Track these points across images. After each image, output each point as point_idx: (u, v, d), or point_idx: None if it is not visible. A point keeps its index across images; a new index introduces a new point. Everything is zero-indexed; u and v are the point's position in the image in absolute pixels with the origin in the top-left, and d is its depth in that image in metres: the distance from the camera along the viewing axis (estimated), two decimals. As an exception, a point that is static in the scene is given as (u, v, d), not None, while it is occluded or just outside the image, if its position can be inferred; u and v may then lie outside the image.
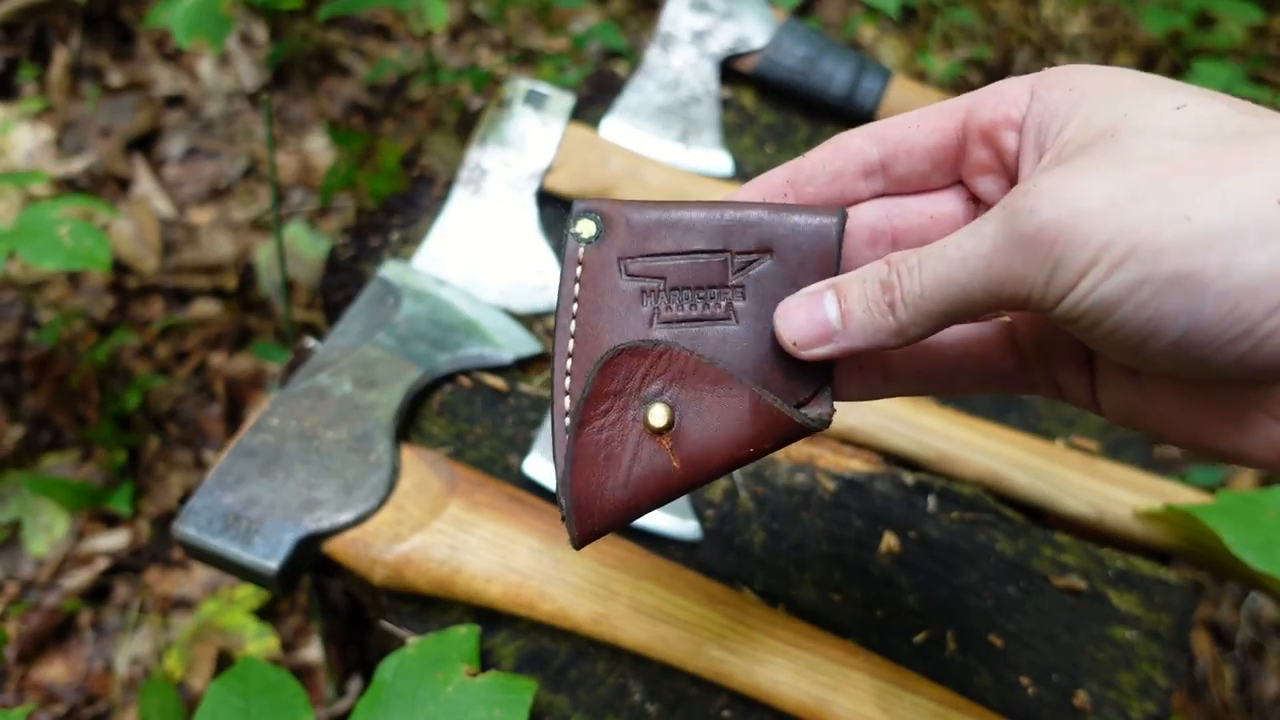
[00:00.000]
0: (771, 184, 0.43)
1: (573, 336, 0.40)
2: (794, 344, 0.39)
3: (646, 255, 0.41)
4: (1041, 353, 0.41)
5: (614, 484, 0.39)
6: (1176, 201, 0.29)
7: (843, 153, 0.42)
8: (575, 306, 0.41)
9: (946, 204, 0.43)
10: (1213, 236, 0.28)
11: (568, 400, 0.40)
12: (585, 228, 0.41)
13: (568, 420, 0.40)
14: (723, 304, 0.40)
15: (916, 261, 0.35)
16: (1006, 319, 0.43)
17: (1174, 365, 0.31)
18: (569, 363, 0.40)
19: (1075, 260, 0.30)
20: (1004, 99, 0.39)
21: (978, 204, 0.42)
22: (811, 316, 0.38)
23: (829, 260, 0.40)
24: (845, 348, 0.38)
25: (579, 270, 0.41)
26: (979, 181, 0.41)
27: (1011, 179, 0.40)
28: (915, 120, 0.41)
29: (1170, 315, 0.29)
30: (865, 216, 0.43)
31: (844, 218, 0.40)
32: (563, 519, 0.40)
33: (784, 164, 0.43)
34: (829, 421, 0.40)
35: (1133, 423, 0.39)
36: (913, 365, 0.43)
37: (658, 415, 0.39)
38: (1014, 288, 0.32)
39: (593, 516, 0.40)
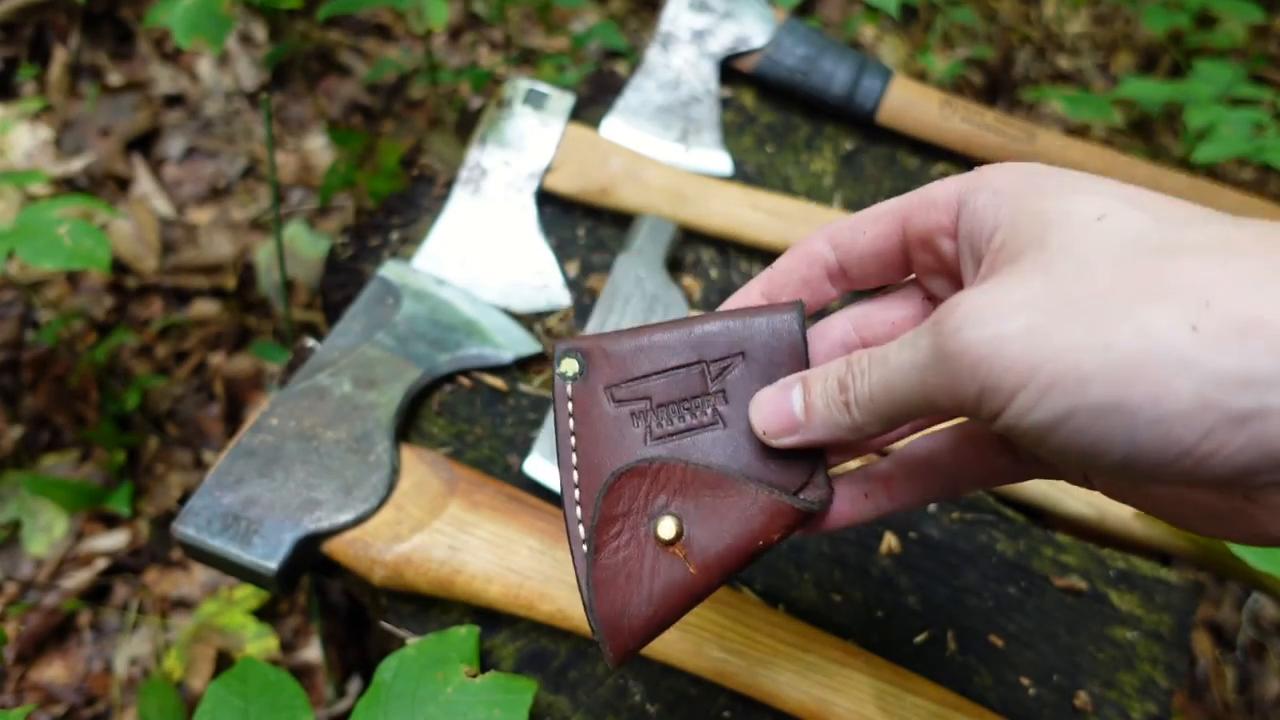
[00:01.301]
0: (749, 298, 0.45)
1: (576, 468, 0.43)
2: (764, 433, 0.41)
3: (630, 380, 0.43)
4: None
5: (638, 600, 0.41)
6: (1096, 329, 0.29)
7: (806, 259, 0.43)
8: (573, 440, 0.43)
9: (906, 308, 0.44)
10: (1133, 367, 0.28)
11: (582, 529, 0.42)
12: (569, 366, 0.44)
13: (585, 548, 0.42)
14: (708, 411, 0.43)
15: (867, 364, 0.36)
16: None
17: (1130, 478, 0.31)
18: (578, 493, 0.42)
19: (1001, 384, 0.30)
20: (935, 205, 0.39)
21: (934, 303, 0.43)
22: (779, 408, 0.40)
23: (797, 351, 0.42)
24: (809, 439, 0.39)
25: (570, 406, 0.43)
26: (930, 282, 0.42)
27: (957, 280, 0.40)
28: (861, 225, 0.42)
29: (1106, 441, 0.29)
30: (834, 333, 0.44)
31: (802, 309, 0.43)
32: (595, 640, 0.42)
33: (758, 276, 0.45)
34: (829, 501, 0.42)
35: (1129, 504, 0.39)
36: (913, 478, 0.44)
37: (666, 528, 0.41)
38: (947, 400, 0.33)
39: (623, 635, 0.41)
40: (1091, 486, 0.41)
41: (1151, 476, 0.30)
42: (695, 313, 0.75)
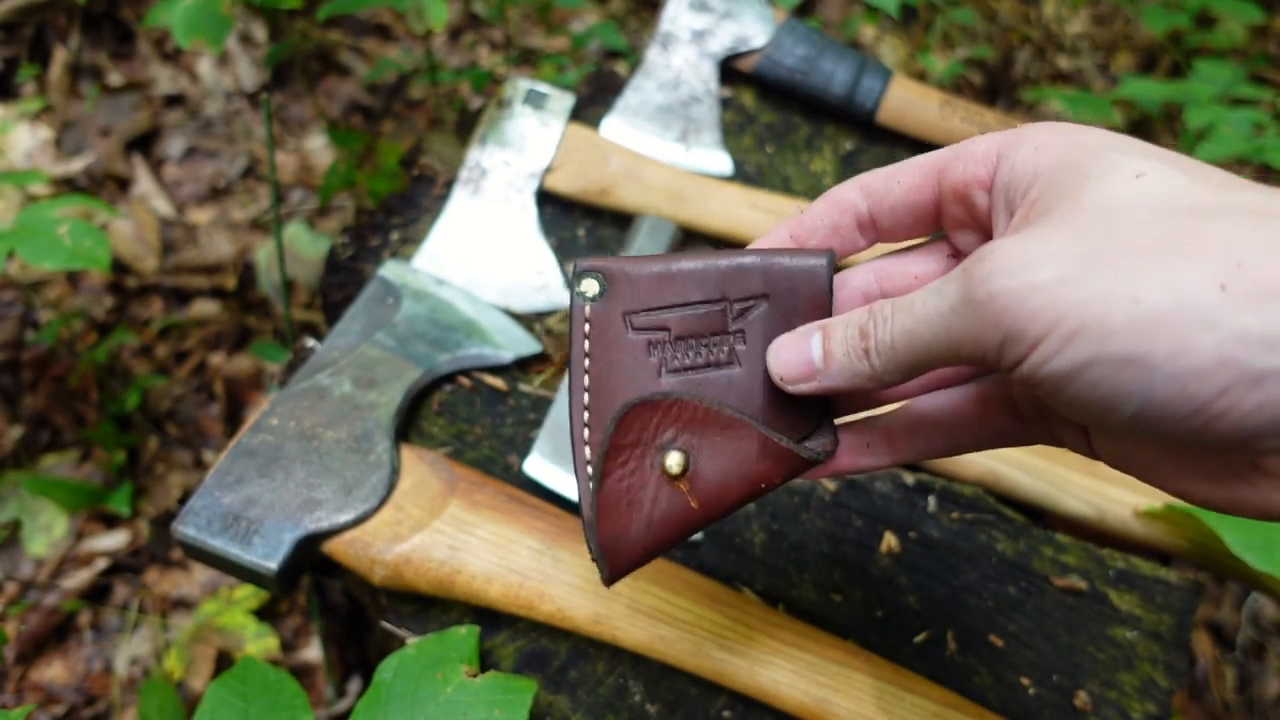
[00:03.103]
0: (777, 240, 0.45)
1: (587, 390, 0.43)
2: (780, 379, 0.41)
3: (650, 309, 0.43)
4: (1037, 409, 0.42)
5: (638, 527, 0.42)
6: (1126, 282, 0.29)
7: (838, 206, 0.43)
8: (587, 362, 0.43)
9: (929, 263, 0.44)
10: (1159, 320, 0.28)
11: (588, 451, 0.42)
12: (589, 286, 0.43)
13: (590, 471, 0.42)
14: (725, 350, 0.43)
15: (890, 312, 0.37)
16: (1000, 380, 0.44)
17: (1136, 434, 0.31)
18: (586, 415, 0.43)
19: (1025, 333, 0.31)
20: (973, 159, 0.39)
21: (959, 259, 0.43)
22: (799, 355, 0.40)
23: (822, 300, 0.42)
24: (827, 386, 0.39)
25: (587, 328, 0.43)
26: (957, 236, 0.42)
27: (987, 235, 0.40)
28: (896, 175, 0.42)
29: (1123, 393, 0.30)
30: (856, 282, 0.44)
31: (832, 258, 0.42)
32: (593, 560, 0.43)
33: (787, 219, 0.45)
34: (832, 452, 0.43)
35: (1129, 471, 0.39)
36: (915, 434, 0.44)
37: (674, 462, 0.42)
38: (970, 349, 0.33)
39: (620, 558, 0.42)
40: (1091, 452, 0.41)
41: (1160, 433, 0.30)
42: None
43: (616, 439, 0.42)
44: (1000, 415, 0.43)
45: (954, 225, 0.42)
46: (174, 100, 1.56)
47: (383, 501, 0.61)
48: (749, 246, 0.45)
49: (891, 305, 0.37)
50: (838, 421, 0.44)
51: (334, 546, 0.61)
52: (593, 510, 0.42)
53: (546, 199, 0.85)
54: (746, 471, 0.42)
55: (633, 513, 0.42)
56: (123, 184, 1.46)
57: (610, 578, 0.43)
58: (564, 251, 0.84)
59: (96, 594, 1.14)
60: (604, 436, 0.42)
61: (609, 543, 0.42)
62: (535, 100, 0.87)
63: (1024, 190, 0.36)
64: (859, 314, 0.38)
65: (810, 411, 0.42)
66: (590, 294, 0.43)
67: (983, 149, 0.39)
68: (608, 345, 0.43)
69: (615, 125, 0.89)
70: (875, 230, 0.44)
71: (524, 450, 0.70)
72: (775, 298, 0.42)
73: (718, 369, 0.42)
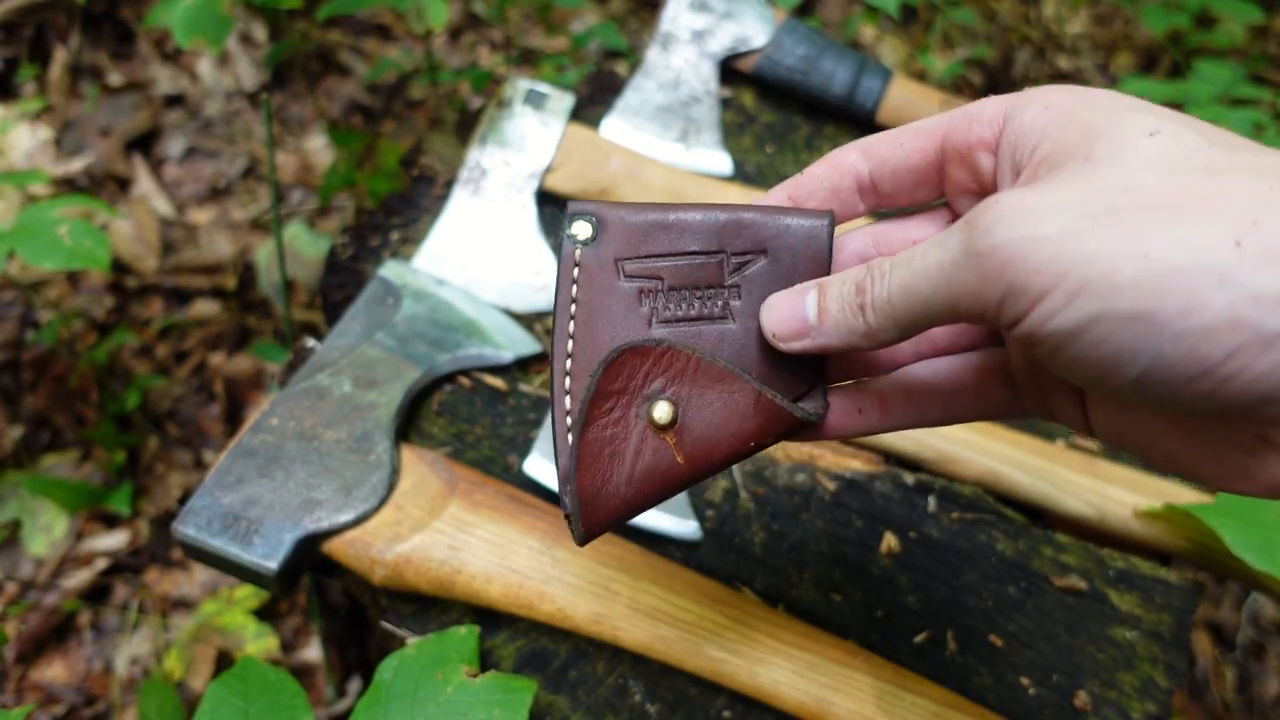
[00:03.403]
0: (774, 200, 0.44)
1: (571, 337, 0.41)
2: (773, 335, 0.40)
3: (643, 256, 0.42)
4: (1034, 379, 0.41)
5: (618, 480, 0.40)
6: (1135, 237, 0.28)
7: (838, 168, 0.43)
8: (574, 308, 0.41)
9: (930, 229, 0.43)
10: (1170, 277, 0.27)
11: (568, 400, 0.41)
12: (581, 229, 0.42)
13: (570, 420, 0.40)
14: (719, 304, 0.41)
15: (889, 268, 0.35)
16: (997, 349, 0.43)
17: (1139, 398, 0.31)
18: (569, 363, 0.41)
19: (1028, 286, 0.29)
20: (979, 120, 0.39)
21: None
22: (793, 311, 0.39)
23: (821, 260, 0.41)
24: (820, 344, 0.38)
25: (576, 272, 0.42)
26: (960, 201, 0.42)
27: None
28: (899, 138, 0.41)
29: (1129, 352, 0.29)
30: (854, 246, 0.44)
31: (833, 219, 0.41)
32: (566, 517, 0.41)
33: (785, 180, 0.44)
34: (824, 415, 0.41)
35: (1125, 446, 0.39)
36: (908, 400, 0.43)
37: (662, 412, 0.40)
38: (969, 303, 0.32)
39: (597, 513, 0.40)
40: (1086, 426, 0.40)
41: (1165, 398, 0.30)
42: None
43: (604, 384, 0.40)
44: (996, 386, 0.42)
45: (956, 190, 0.41)
46: (174, 100, 1.56)
47: (383, 501, 0.61)
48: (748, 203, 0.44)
49: (890, 261, 0.36)
50: (830, 388, 0.43)
51: (334, 546, 0.61)
52: (571, 460, 0.40)
53: (546, 199, 0.85)
54: (736, 428, 0.40)
55: (614, 464, 0.40)
56: (123, 184, 1.46)
57: (585, 534, 0.41)
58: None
59: (96, 594, 1.14)
60: (590, 381, 0.40)
61: (587, 495, 0.40)
62: (535, 100, 0.87)
63: (1031, 148, 0.35)
64: (856, 270, 0.37)
65: (803, 373, 0.41)
66: (582, 237, 0.42)
67: (989, 110, 0.38)
68: (596, 291, 0.41)
69: (615, 125, 0.89)
70: (875, 194, 0.43)
71: (524, 450, 0.70)
72: (774, 255, 0.41)
73: (711, 323, 0.41)
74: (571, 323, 0.41)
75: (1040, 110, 0.36)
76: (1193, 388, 0.29)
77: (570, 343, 0.41)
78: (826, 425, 0.43)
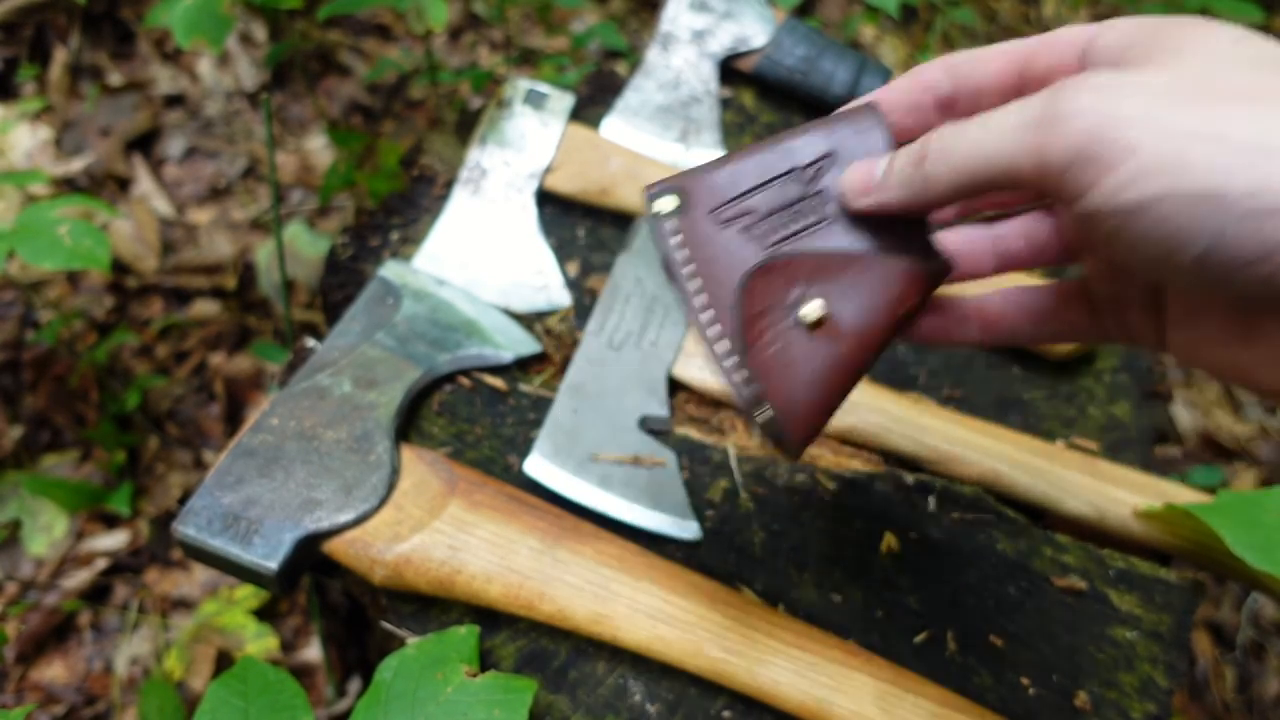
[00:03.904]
0: None
1: (699, 293, 0.44)
2: (842, 194, 0.43)
3: (731, 200, 0.45)
4: (1111, 299, 0.43)
5: (801, 387, 0.43)
6: (1212, 120, 0.29)
7: (920, 84, 0.44)
8: (691, 268, 0.44)
9: None
10: (1243, 156, 0.28)
11: (722, 344, 0.43)
12: (666, 204, 0.45)
13: (735, 359, 0.43)
14: (813, 209, 0.44)
15: (960, 126, 0.36)
16: (1079, 278, 0.46)
17: (1194, 282, 0.31)
18: (710, 314, 0.43)
19: (1100, 155, 0.30)
20: (1060, 43, 0.40)
21: None
22: (865, 174, 0.42)
23: (883, 143, 0.43)
24: (885, 199, 0.41)
25: (679, 239, 0.44)
26: None
27: None
28: (980, 56, 0.43)
29: (1192, 231, 0.29)
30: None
31: (877, 108, 0.44)
32: (773, 440, 0.43)
33: (865, 97, 0.47)
34: (950, 267, 0.44)
35: (1199, 364, 0.40)
36: (1004, 317, 0.46)
37: (812, 310, 0.43)
38: (1033, 166, 0.33)
39: (798, 422, 0.43)
40: (1163, 344, 0.41)
41: (1221, 279, 0.30)
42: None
43: (747, 310, 0.43)
44: (1076, 310, 0.44)
45: None
46: (174, 100, 1.56)
47: (383, 501, 0.61)
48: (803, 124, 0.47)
49: (965, 121, 0.37)
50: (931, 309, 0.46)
51: (334, 546, 0.61)
52: (752, 388, 0.42)
53: (546, 199, 0.85)
54: (883, 299, 0.43)
55: (790, 373, 0.42)
56: (123, 184, 1.46)
57: (798, 445, 0.43)
58: (564, 251, 0.84)
59: (96, 594, 1.14)
60: (732, 317, 0.43)
61: (783, 410, 0.42)
62: (535, 100, 0.87)
63: (1116, 59, 0.36)
64: (926, 134, 0.39)
65: (914, 240, 0.43)
66: (669, 209, 0.44)
67: (1071, 35, 0.40)
68: (703, 245, 0.44)
69: (615, 125, 0.89)
70: (954, 113, 0.44)
71: (524, 450, 0.70)
72: (840, 154, 0.44)
73: (814, 229, 0.44)
74: (695, 280, 0.44)
75: (1128, 27, 0.37)
76: (1252, 270, 0.29)
77: (703, 297, 0.43)
78: (937, 332, 0.46)
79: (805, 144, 0.44)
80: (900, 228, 0.43)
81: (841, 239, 0.43)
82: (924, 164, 0.38)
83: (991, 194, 0.42)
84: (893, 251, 0.43)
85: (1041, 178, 0.32)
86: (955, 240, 0.47)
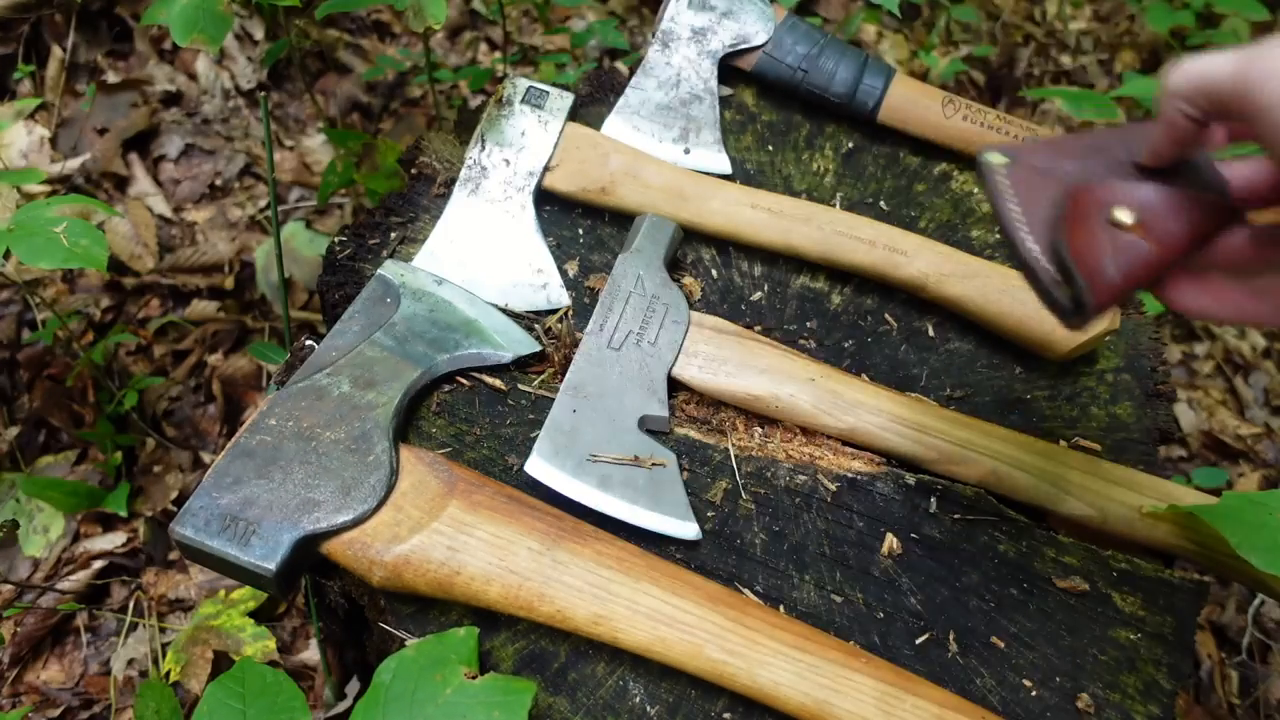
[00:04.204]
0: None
1: (1024, 221, 0.53)
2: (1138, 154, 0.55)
3: (1047, 154, 0.56)
4: None
5: (1109, 266, 0.51)
6: None
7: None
8: (1017, 206, 0.54)
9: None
10: None
11: (1038, 248, 0.52)
12: (996, 158, 0.56)
13: (1056, 252, 0.52)
14: (1116, 157, 0.55)
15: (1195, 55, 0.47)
16: None
17: None
18: (1031, 238, 0.53)
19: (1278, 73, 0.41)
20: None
21: None
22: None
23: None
24: (1154, 139, 0.53)
25: (1009, 182, 0.55)
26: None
27: None
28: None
29: None
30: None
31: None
32: (1072, 303, 0.51)
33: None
34: (1227, 188, 0.53)
35: None
36: (1265, 296, 0.53)
37: (1124, 214, 0.52)
38: (1243, 96, 0.44)
39: (1100, 287, 0.51)
40: None
41: None
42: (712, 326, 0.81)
43: (1071, 213, 0.52)
44: None
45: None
46: (171, 99, 1.55)
47: (381, 502, 0.61)
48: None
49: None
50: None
51: (332, 547, 0.60)
52: (1059, 261, 0.51)
53: (546, 198, 0.84)
54: (1186, 216, 0.52)
55: (1100, 255, 0.51)
56: (120, 183, 1.46)
57: (1098, 304, 0.50)
58: (564, 251, 0.83)
59: (93, 595, 1.13)
60: (1056, 218, 0.52)
61: (1088, 274, 0.50)
62: (535, 99, 0.86)
63: None
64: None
65: (1195, 179, 0.53)
66: (999, 162, 0.55)
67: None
68: (1025, 186, 0.54)
69: (615, 124, 0.89)
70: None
71: (524, 450, 0.70)
72: (1132, 139, 0.56)
73: (1117, 171, 0.54)
74: (1015, 209, 0.53)
75: None
76: None
77: (1026, 224, 0.53)
78: (1213, 307, 0.54)
79: (1110, 137, 0.56)
80: (1184, 170, 0.54)
81: (1142, 179, 0.53)
82: (1166, 84, 0.49)
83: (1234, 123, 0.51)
84: (1183, 185, 0.53)
85: (1243, 93, 0.44)
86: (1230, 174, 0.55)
